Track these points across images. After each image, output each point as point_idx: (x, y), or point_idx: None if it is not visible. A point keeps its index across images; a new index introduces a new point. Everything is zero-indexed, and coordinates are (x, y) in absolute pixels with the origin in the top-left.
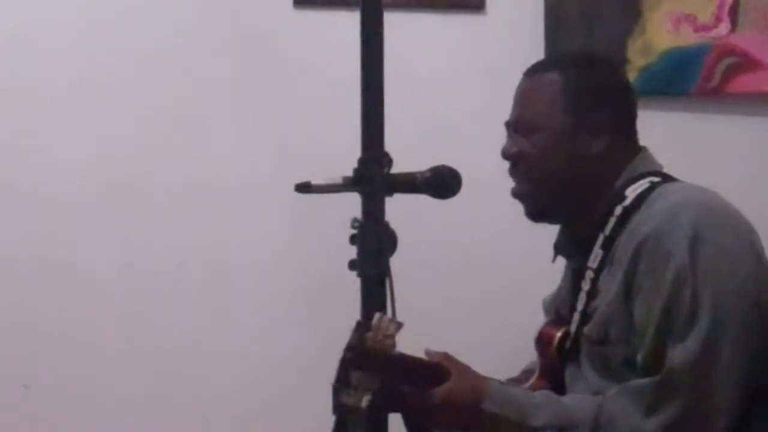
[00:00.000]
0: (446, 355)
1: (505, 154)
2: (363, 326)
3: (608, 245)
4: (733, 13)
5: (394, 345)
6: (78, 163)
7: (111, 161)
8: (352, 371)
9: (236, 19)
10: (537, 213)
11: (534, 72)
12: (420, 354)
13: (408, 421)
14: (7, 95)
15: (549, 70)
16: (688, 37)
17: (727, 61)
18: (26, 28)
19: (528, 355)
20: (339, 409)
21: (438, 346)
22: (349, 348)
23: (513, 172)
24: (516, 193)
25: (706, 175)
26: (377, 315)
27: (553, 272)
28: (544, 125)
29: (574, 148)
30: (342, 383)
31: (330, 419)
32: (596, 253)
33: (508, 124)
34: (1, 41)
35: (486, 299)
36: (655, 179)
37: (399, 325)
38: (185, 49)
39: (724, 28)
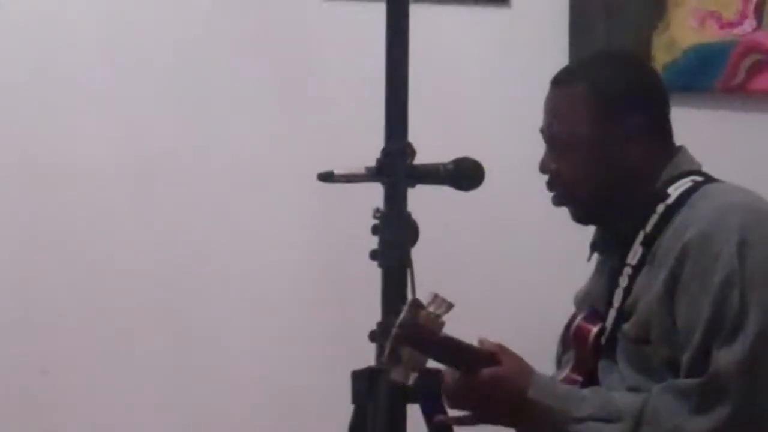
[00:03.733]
0: (499, 345)
1: (543, 170)
2: (417, 304)
3: (649, 243)
4: (759, 10)
5: (443, 325)
6: (104, 151)
7: (138, 149)
8: (402, 348)
9: (265, 10)
10: (584, 218)
11: (562, 83)
12: None
13: (426, 409)
14: (37, 81)
15: (577, 81)
16: (712, 34)
17: (751, 58)
18: (56, 13)
19: (548, 348)
20: (360, 396)
21: (459, 337)
22: (402, 325)
23: (552, 187)
24: (557, 203)
25: (729, 172)
26: (431, 293)
27: (576, 264)
28: (580, 141)
29: (613, 157)
30: (392, 360)
31: (349, 408)
32: (636, 251)
33: (543, 132)
34: (30, 26)
35: (507, 292)
36: (698, 178)
37: (450, 306)
38: (214, 39)
39: (749, 25)
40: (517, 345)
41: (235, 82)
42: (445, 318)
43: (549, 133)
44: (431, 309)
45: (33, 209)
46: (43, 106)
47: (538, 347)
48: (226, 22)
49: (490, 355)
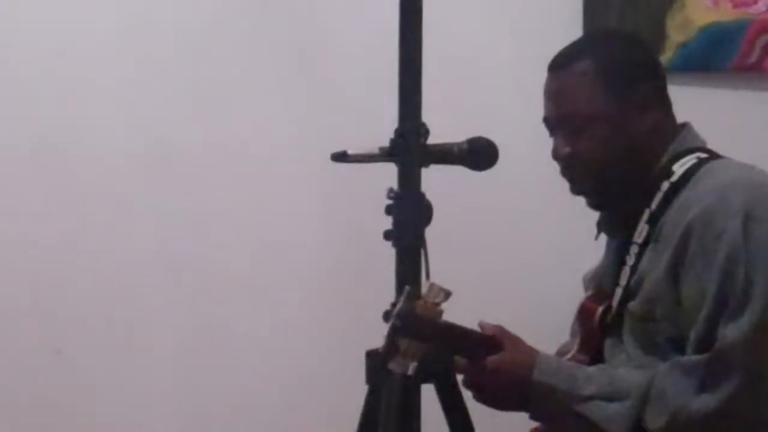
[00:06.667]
0: (500, 327)
1: (557, 156)
2: (413, 294)
3: (654, 220)
4: None
5: (441, 313)
6: (117, 135)
7: (149, 134)
8: (400, 338)
9: None
10: (602, 204)
11: (562, 66)
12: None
13: (441, 392)
14: (47, 70)
15: (577, 59)
16: (727, 13)
17: (766, 38)
18: (71, 3)
19: (563, 329)
20: (374, 377)
21: (472, 318)
22: (398, 315)
23: (568, 173)
24: (576, 191)
25: (744, 151)
26: (427, 282)
27: (589, 245)
28: (592, 119)
29: (628, 130)
30: (390, 351)
31: (363, 388)
32: (642, 228)
33: (548, 122)
34: (39, 15)
35: (521, 272)
36: (702, 155)
37: (448, 294)
38: (223, 20)
39: (763, 4)
40: (529, 325)
41: (246, 65)
42: (444, 305)
43: (559, 116)
44: (428, 298)
45: (47, 193)
46: (56, 96)
47: (551, 326)
48: (238, 5)
49: (492, 340)
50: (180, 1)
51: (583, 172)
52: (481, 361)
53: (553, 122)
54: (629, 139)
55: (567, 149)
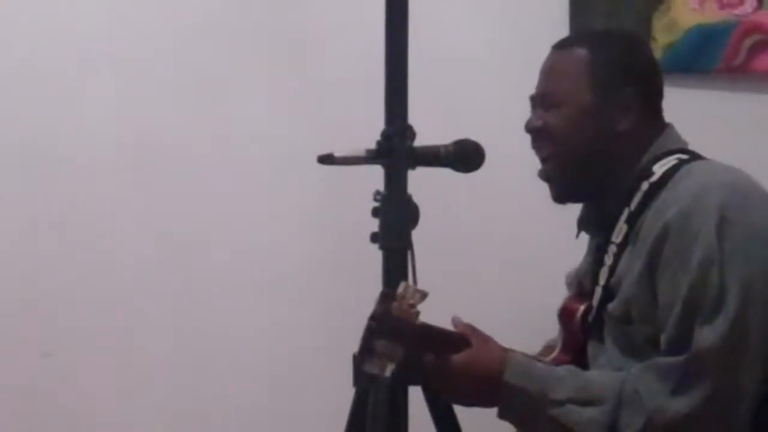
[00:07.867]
0: (469, 326)
1: (529, 127)
2: (388, 296)
3: (633, 221)
4: None
5: (418, 314)
6: (105, 136)
7: (138, 135)
8: (376, 340)
9: None
10: (563, 193)
11: (563, 47)
12: (443, 325)
13: (428, 393)
14: (39, 64)
15: (578, 46)
16: (713, 15)
17: (752, 39)
18: (58, 2)
19: (549, 330)
20: (361, 379)
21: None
22: (374, 317)
23: (536, 146)
24: (543, 175)
25: (730, 152)
26: (402, 284)
27: (575, 247)
28: (571, 101)
29: (600, 125)
30: (366, 352)
31: (351, 390)
32: (620, 228)
33: (533, 98)
34: (29, 10)
35: (507, 273)
36: (683, 156)
37: (424, 295)
38: (213, 22)
39: (749, 5)
40: (516, 325)
41: (234, 67)
42: (427, 305)
43: (542, 93)
44: (404, 299)
45: (36, 194)
46: (46, 93)
47: (537, 327)
48: (225, 6)
49: (461, 338)
50: (170, 2)
51: (547, 151)
52: (446, 358)
53: (537, 98)
54: (596, 134)
55: (539, 122)
